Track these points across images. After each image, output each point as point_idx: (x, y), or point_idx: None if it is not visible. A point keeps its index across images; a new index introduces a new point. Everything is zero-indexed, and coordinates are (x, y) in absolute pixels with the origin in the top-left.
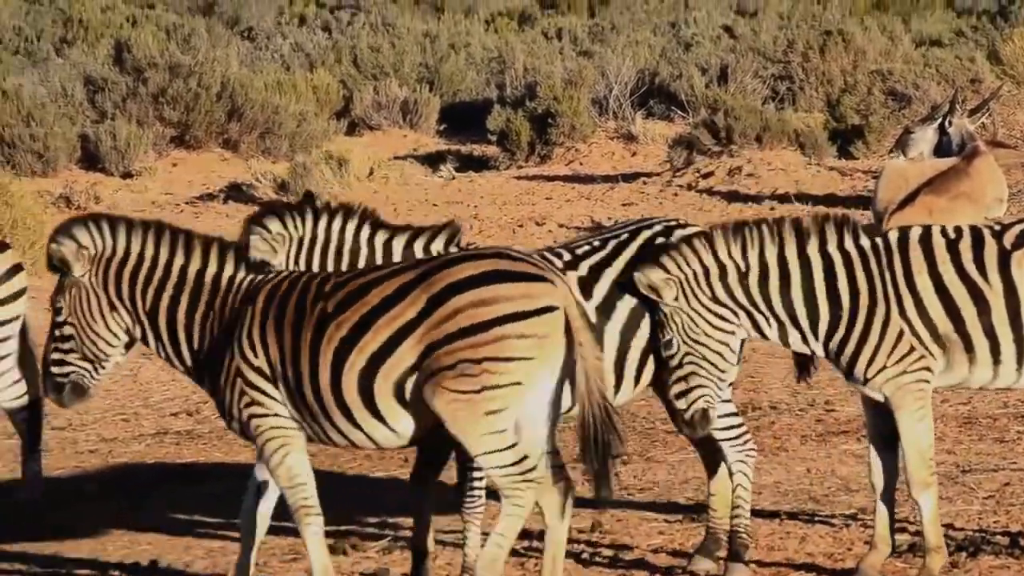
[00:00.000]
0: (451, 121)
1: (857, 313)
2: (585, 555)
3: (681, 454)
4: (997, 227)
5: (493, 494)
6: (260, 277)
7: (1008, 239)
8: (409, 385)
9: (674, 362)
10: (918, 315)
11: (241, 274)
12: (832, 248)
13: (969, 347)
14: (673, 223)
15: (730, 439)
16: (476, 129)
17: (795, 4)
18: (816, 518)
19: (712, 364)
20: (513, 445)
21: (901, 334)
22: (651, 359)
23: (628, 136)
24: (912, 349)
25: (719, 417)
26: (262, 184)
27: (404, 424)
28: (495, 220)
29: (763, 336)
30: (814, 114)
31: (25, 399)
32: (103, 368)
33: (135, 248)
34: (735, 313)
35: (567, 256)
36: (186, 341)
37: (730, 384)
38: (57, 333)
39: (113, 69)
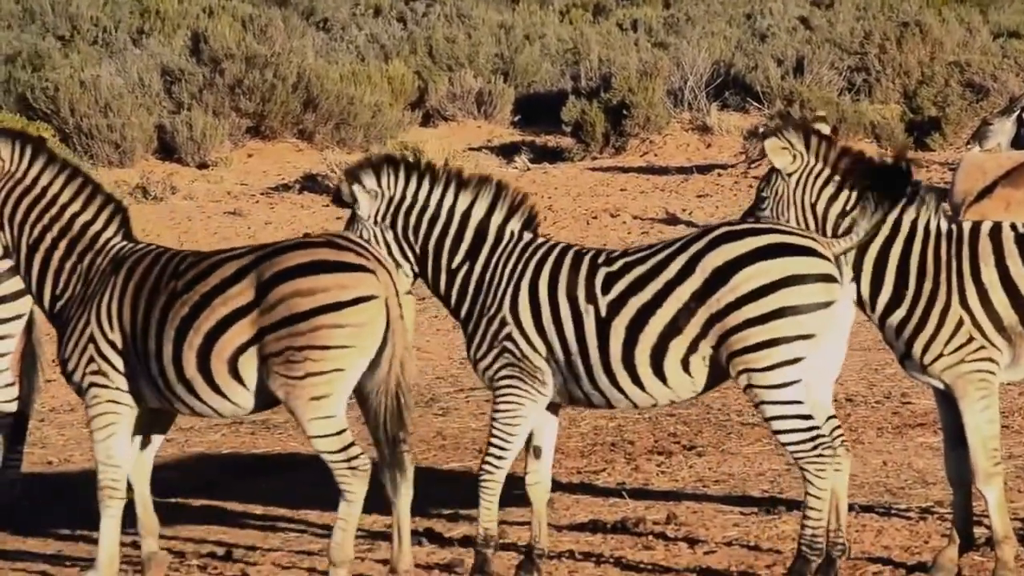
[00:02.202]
0: (526, 112)
1: (920, 295)
2: (660, 547)
3: (757, 446)
4: None
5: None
6: (130, 246)
7: None
8: (243, 362)
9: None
10: (982, 307)
11: (117, 239)
12: (921, 222)
13: None
14: (739, 228)
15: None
16: (551, 120)
17: None
18: (892, 511)
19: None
20: (341, 432)
21: (960, 324)
22: (705, 349)
23: (703, 128)
24: (971, 339)
25: (786, 416)
26: (337, 175)
27: (242, 397)
28: (569, 212)
29: None
30: (890, 106)
31: (14, 405)
32: None
33: (43, 182)
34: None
35: (616, 253)
36: (51, 284)
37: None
38: None
39: (190, 60)
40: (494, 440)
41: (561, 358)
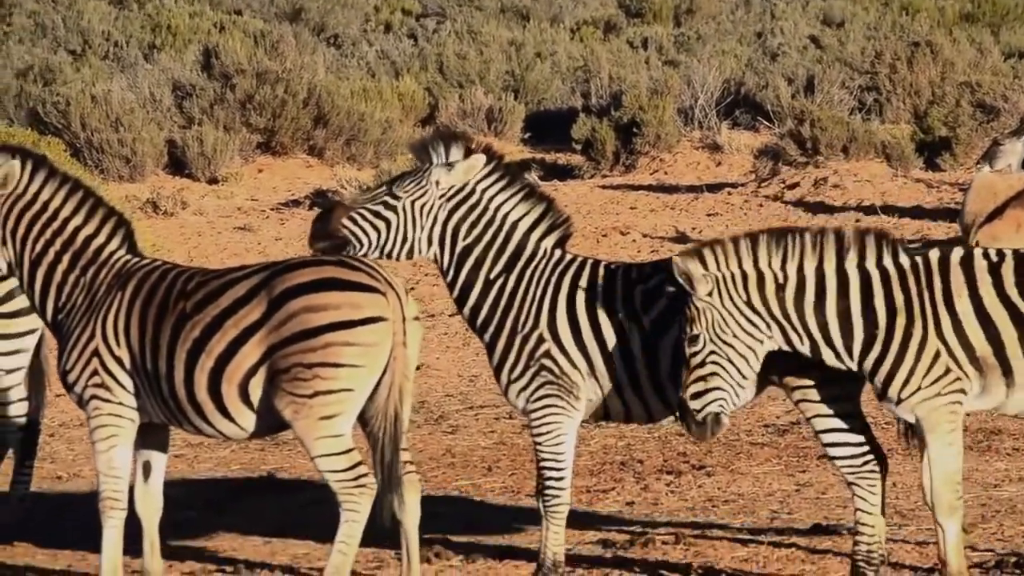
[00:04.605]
0: (536, 129)
1: (893, 333)
2: (669, 567)
3: (766, 466)
4: None
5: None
6: (135, 261)
7: None
8: (253, 385)
9: (696, 359)
10: (956, 337)
11: (121, 252)
12: (871, 265)
13: (1007, 371)
14: None
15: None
16: (561, 137)
17: (883, 15)
18: (899, 535)
19: (736, 369)
20: (349, 451)
21: (937, 355)
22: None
23: (713, 146)
24: (948, 371)
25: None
26: (347, 191)
27: (249, 420)
28: (579, 230)
29: (794, 350)
30: (901, 125)
31: (24, 419)
32: None
33: (44, 196)
34: (767, 324)
35: (647, 269)
36: (54, 297)
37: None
38: None
39: (201, 75)
40: (547, 464)
41: (604, 375)
